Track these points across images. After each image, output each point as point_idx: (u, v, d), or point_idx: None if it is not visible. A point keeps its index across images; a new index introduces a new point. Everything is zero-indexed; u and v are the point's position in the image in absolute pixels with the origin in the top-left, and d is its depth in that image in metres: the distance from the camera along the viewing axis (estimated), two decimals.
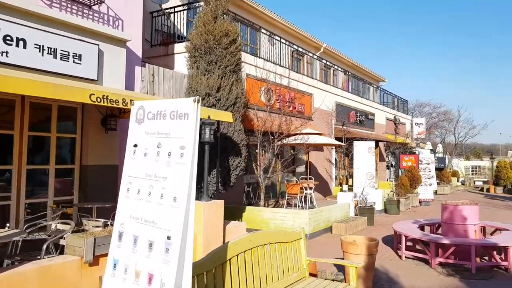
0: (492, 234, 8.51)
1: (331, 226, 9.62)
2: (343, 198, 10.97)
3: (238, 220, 9.31)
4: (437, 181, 21.95)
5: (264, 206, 12.63)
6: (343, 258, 5.57)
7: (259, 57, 13.26)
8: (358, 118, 19.04)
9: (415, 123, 26.93)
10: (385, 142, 22.10)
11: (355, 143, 13.22)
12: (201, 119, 5.73)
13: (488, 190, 24.75)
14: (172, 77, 9.14)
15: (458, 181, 32.08)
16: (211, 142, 6.16)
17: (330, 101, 16.92)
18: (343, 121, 15.95)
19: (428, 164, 16.60)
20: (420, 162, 16.31)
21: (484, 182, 28.79)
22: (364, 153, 13.04)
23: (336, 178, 16.97)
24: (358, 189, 12.65)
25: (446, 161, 26.78)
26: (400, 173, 16.35)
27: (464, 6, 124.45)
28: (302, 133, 12.19)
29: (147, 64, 8.69)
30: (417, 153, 16.50)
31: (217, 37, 7.77)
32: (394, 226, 8.02)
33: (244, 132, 8.12)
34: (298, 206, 12.34)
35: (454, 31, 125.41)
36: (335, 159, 17.06)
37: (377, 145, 21.17)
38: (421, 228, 8.74)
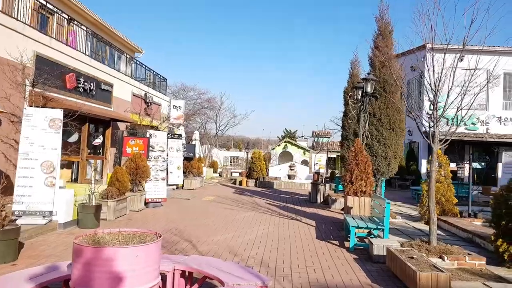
0: (200, 285, 4.59)
1: None
2: None
3: None
4: (184, 172, 18.62)
5: None
6: None
7: None
8: (82, 86, 13.55)
9: (173, 106, 23.27)
10: (128, 124, 17.32)
11: (25, 111, 7.73)
12: None
13: (240, 182, 23.25)
14: None
15: (216, 172, 30.47)
16: None
17: (23, 48, 10.83)
18: (37, 81, 10.17)
19: (163, 151, 12.54)
20: (151, 149, 12.11)
21: (240, 174, 27.74)
22: (40, 128, 7.71)
23: None
24: (21, 190, 7.28)
25: (197, 149, 24.12)
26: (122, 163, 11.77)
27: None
28: None
29: None
30: (148, 136, 12.21)
31: None
32: None
33: None
34: None
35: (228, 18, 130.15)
36: None
37: (110, 125, 16.16)
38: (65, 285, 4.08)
